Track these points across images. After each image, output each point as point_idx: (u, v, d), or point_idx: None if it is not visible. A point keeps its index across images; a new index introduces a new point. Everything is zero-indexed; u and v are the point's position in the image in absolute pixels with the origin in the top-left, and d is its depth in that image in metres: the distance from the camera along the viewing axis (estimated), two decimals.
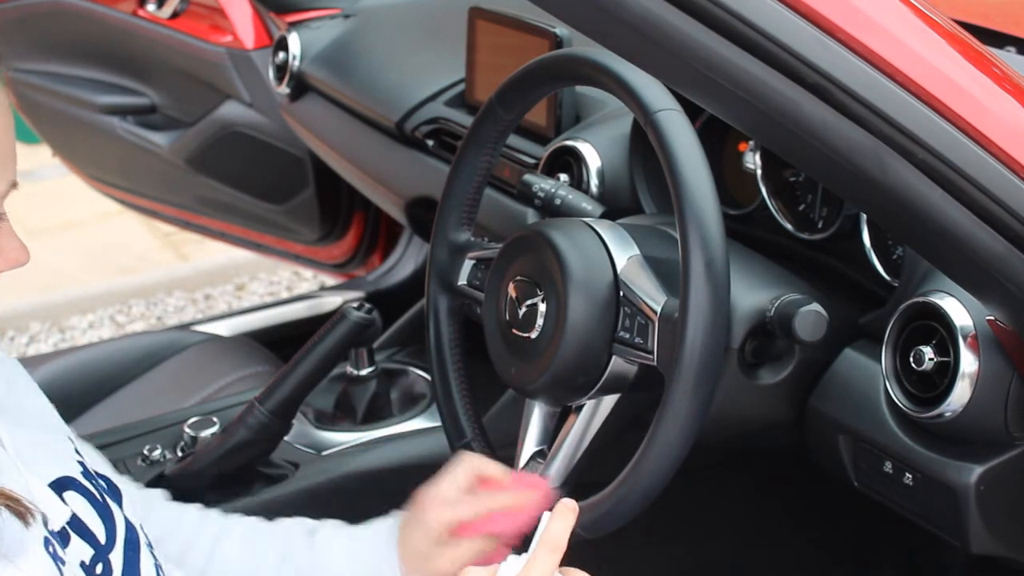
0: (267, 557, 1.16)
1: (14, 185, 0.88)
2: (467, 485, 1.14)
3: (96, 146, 2.64)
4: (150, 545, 1.02)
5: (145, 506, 1.15)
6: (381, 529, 1.17)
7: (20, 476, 0.89)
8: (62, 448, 0.99)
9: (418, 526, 1.13)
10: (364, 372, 1.66)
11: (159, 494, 1.22)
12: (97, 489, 0.98)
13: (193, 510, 1.20)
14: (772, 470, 1.58)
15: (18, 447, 0.92)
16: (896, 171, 0.85)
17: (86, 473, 0.99)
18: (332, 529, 1.18)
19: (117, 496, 1.02)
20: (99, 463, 1.11)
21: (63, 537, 0.90)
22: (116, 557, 0.95)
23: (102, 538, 0.94)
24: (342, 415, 1.67)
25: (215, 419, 1.52)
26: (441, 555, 1.11)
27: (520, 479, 1.15)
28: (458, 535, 1.12)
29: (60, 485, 0.94)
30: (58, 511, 0.91)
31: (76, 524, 0.92)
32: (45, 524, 0.88)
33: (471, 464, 1.15)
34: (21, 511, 0.84)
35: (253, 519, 1.20)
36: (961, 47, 0.90)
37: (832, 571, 1.68)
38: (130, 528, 0.99)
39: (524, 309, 1.16)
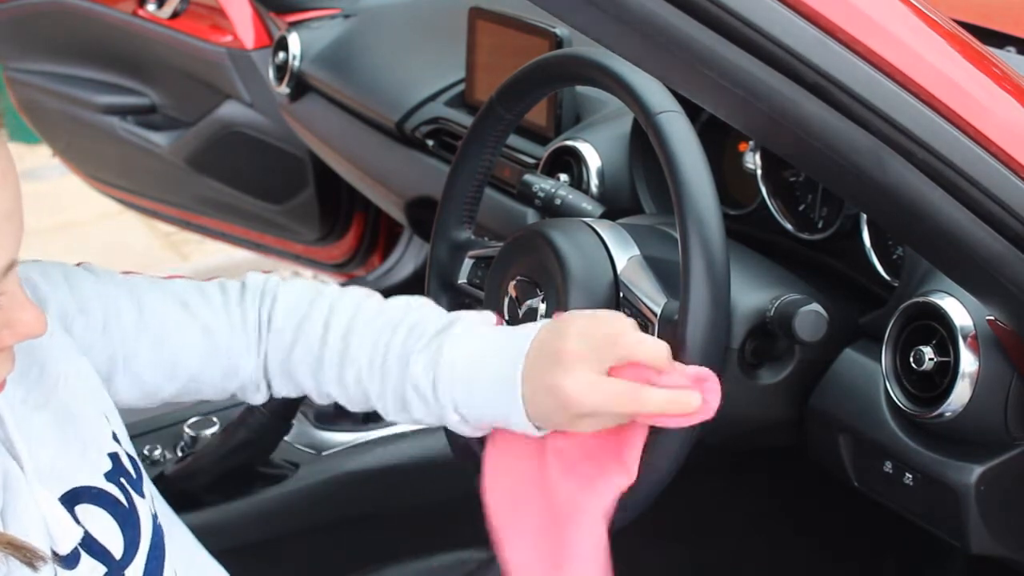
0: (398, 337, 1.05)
1: (13, 264, 0.81)
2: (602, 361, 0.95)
3: (96, 146, 2.64)
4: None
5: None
6: (522, 327, 1.02)
7: (34, 501, 0.86)
8: (92, 441, 0.94)
9: (580, 333, 0.96)
10: None
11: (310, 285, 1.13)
12: (124, 488, 0.94)
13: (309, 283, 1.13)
14: (772, 470, 1.58)
15: (38, 458, 0.88)
16: (896, 171, 0.85)
17: (114, 471, 0.94)
18: (463, 325, 1.04)
19: (141, 478, 0.98)
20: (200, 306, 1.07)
21: (71, 559, 0.87)
22: (135, 570, 0.92)
23: (118, 552, 0.91)
24: (342, 415, 1.66)
25: (215, 419, 1.53)
26: (575, 376, 0.94)
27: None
28: (612, 373, 0.95)
29: (73, 497, 0.90)
30: (68, 533, 0.87)
31: (88, 543, 0.89)
32: (55, 555, 0.85)
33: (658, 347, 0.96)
34: (28, 558, 0.81)
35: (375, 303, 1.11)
36: (961, 47, 0.90)
37: (832, 571, 1.68)
38: (157, 531, 0.95)
39: (524, 309, 1.16)
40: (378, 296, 1.11)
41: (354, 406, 1.10)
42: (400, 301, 1.10)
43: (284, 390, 1.12)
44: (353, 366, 1.07)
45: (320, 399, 1.12)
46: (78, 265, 1.06)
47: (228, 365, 1.10)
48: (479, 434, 1.06)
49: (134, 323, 1.05)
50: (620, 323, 0.98)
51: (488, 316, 1.08)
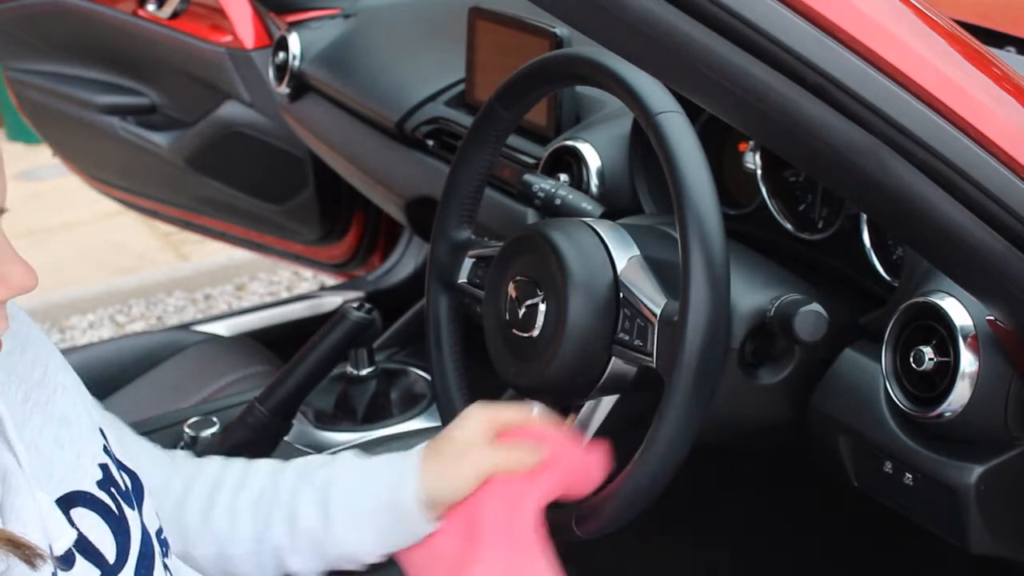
0: (287, 478, 1.13)
1: (1, 211, 0.81)
2: (486, 435, 1.09)
3: (96, 146, 2.64)
4: (165, 555, 0.98)
5: (170, 465, 1.15)
6: (404, 452, 1.12)
7: (33, 499, 0.86)
8: (86, 449, 0.95)
9: (459, 422, 1.09)
10: (364, 372, 1.66)
11: (183, 454, 1.20)
12: (115, 498, 0.94)
13: (216, 460, 1.18)
14: (772, 470, 1.58)
15: (35, 458, 0.88)
16: (896, 171, 0.85)
17: (104, 481, 0.94)
18: (351, 453, 1.15)
19: (140, 495, 0.99)
20: (132, 445, 1.10)
21: (67, 560, 0.87)
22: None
23: (111, 557, 0.91)
24: (342, 415, 1.67)
25: (215, 419, 1.52)
26: (474, 455, 1.06)
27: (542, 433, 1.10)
28: (501, 440, 1.08)
29: (68, 501, 0.90)
30: (62, 535, 0.87)
31: (82, 545, 0.89)
32: (52, 554, 0.85)
33: (484, 415, 1.10)
34: (28, 556, 0.81)
35: (275, 461, 1.19)
36: (961, 47, 0.90)
37: (832, 571, 1.68)
38: (146, 540, 0.95)
39: (524, 309, 1.16)
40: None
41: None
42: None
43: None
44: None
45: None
46: None
47: None
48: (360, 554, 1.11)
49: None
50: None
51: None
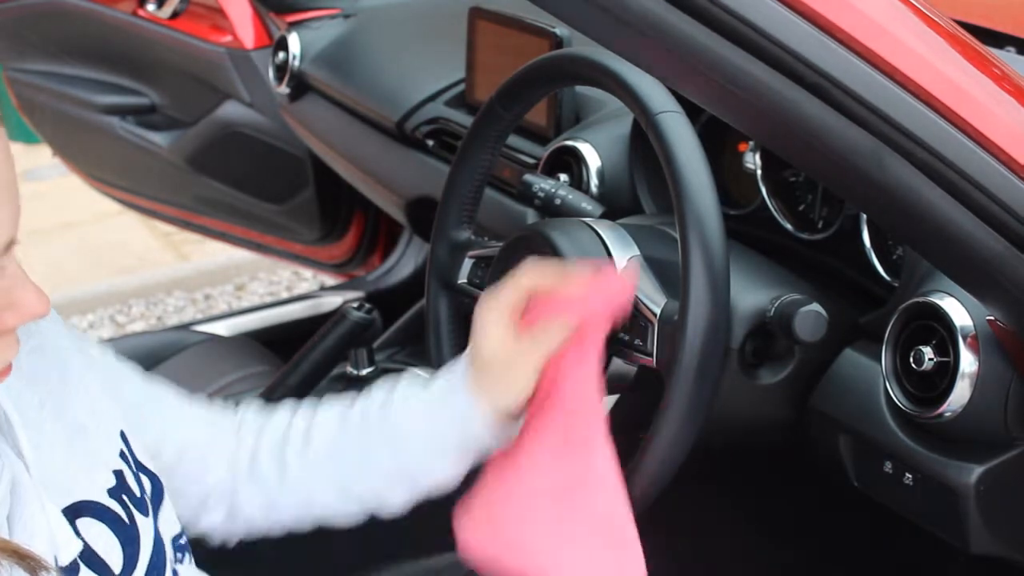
0: (352, 416, 1.12)
1: (12, 242, 0.80)
2: (511, 330, 1.04)
3: (96, 146, 2.64)
4: (179, 561, 0.97)
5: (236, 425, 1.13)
6: (452, 374, 1.07)
7: (42, 507, 0.85)
8: (99, 456, 0.94)
9: (483, 339, 1.04)
10: (364, 372, 1.66)
11: (254, 406, 1.17)
12: (126, 506, 0.93)
13: (283, 410, 1.15)
14: (772, 470, 1.58)
15: (44, 466, 0.87)
16: (896, 171, 0.85)
17: (117, 487, 0.93)
18: (408, 386, 1.10)
19: (158, 500, 0.97)
20: (187, 415, 1.09)
21: (71, 570, 0.86)
22: None
23: (117, 567, 0.90)
24: None
25: None
26: (518, 359, 1.01)
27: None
28: (529, 327, 1.02)
29: (75, 511, 0.89)
30: (67, 545, 0.86)
31: (87, 555, 0.88)
32: (57, 565, 0.84)
33: (496, 316, 1.04)
34: (32, 567, 0.80)
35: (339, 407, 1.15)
36: (961, 47, 0.90)
37: (832, 571, 1.68)
38: (158, 549, 0.94)
39: None
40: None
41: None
42: None
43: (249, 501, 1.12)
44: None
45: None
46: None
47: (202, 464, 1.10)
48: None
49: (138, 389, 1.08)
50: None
51: None
